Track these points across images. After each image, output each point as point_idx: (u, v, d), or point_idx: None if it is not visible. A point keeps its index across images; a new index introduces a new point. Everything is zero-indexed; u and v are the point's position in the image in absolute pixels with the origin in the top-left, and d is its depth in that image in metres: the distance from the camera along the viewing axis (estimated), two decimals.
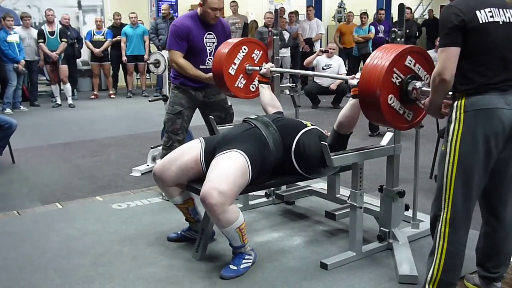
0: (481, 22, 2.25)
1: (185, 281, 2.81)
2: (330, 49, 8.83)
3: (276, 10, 4.17)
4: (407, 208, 3.23)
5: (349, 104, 2.98)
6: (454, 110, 2.31)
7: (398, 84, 2.62)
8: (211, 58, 3.88)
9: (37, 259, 3.08)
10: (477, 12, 2.25)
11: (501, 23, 2.28)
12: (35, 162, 5.59)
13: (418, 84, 2.61)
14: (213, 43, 3.92)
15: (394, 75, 2.60)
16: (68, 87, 9.39)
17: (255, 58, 3.83)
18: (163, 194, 4.05)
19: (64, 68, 9.33)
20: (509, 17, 2.31)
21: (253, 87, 3.84)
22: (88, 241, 3.34)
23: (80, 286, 2.77)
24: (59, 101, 9.41)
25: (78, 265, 3.00)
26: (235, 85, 3.74)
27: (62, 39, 9.25)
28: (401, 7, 3.03)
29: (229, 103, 4.16)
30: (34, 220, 3.73)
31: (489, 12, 2.27)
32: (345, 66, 9.56)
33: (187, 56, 3.86)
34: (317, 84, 8.91)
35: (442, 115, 2.48)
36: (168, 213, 3.69)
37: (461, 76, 2.28)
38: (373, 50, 11.29)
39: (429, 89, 2.45)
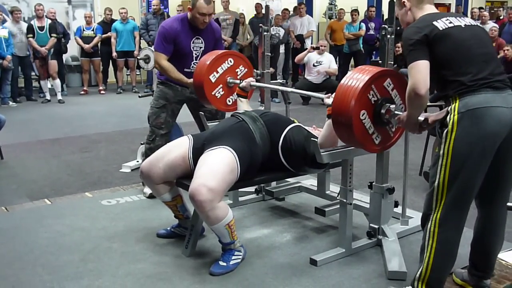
0: (441, 29, 2.30)
1: (175, 278, 2.80)
2: (321, 46, 8.83)
3: (267, 6, 4.15)
4: (396, 204, 3.24)
5: (326, 125, 2.92)
6: (449, 114, 2.26)
7: (373, 102, 2.58)
8: (196, 62, 3.85)
9: (25, 256, 3.06)
10: (434, 22, 2.32)
11: (463, 26, 2.35)
12: (24, 158, 5.56)
13: (392, 106, 2.57)
14: (200, 47, 3.90)
15: (371, 92, 2.56)
16: (57, 82, 9.34)
17: (238, 73, 3.78)
18: (145, 191, 4.05)
19: (53, 64, 9.26)
20: (469, 22, 2.39)
21: (229, 101, 3.77)
22: (77, 237, 3.32)
23: (69, 282, 2.76)
24: (48, 97, 9.35)
25: (67, 261, 2.99)
26: (212, 93, 3.67)
27: (52, 34, 9.18)
28: (392, 4, 3.03)
29: None
30: (23, 216, 3.71)
31: (446, 20, 2.34)
32: (336, 63, 9.57)
33: (172, 58, 3.85)
34: (307, 81, 8.90)
35: (420, 131, 2.47)
36: (158, 209, 3.67)
37: (448, 83, 2.28)
38: (363, 47, 11.33)
39: (401, 113, 2.46)
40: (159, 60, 3.85)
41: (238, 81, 3.68)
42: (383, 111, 2.59)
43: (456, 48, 2.28)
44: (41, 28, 9.16)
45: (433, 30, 2.29)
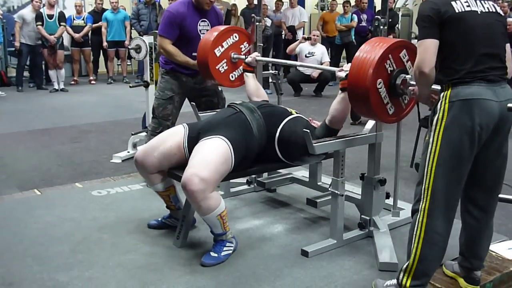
0: (457, 11, 2.27)
1: (166, 268, 2.79)
2: (314, 36, 8.81)
3: None
4: (388, 196, 3.25)
5: (338, 97, 2.94)
6: (440, 101, 2.28)
7: (389, 72, 2.62)
8: None
9: (15, 246, 3.04)
10: (453, 2, 2.28)
11: (479, 12, 2.30)
12: (13, 148, 5.52)
13: (408, 76, 2.60)
14: (207, 30, 3.86)
15: (388, 62, 2.60)
16: (62, 72, 9.40)
17: (242, 49, 3.81)
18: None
19: (60, 53, 9.31)
20: (487, 8, 2.34)
21: (232, 77, 3.79)
22: (67, 228, 3.30)
23: (59, 273, 2.74)
24: (56, 86, 9.36)
25: (57, 252, 2.97)
26: (216, 67, 3.68)
27: (61, 23, 9.16)
28: None
29: (220, 88, 4.12)
30: (12, 206, 3.68)
31: (465, 2, 2.30)
32: (328, 55, 9.56)
33: (180, 43, 3.80)
34: (299, 72, 8.90)
35: (433, 103, 2.47)
36: (149, 200, 3.66)
37: (445, 67, 2.28)
38: (355, 39, 11.27)
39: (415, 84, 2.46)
40: (164, 45, 3.80)
41: (243, 57, 3.72)
42: (398, 81, 2.62)
43: (462, 36, 2.26)
44: (50, 17, 9.13)
45: (448, 10, 2.26)
